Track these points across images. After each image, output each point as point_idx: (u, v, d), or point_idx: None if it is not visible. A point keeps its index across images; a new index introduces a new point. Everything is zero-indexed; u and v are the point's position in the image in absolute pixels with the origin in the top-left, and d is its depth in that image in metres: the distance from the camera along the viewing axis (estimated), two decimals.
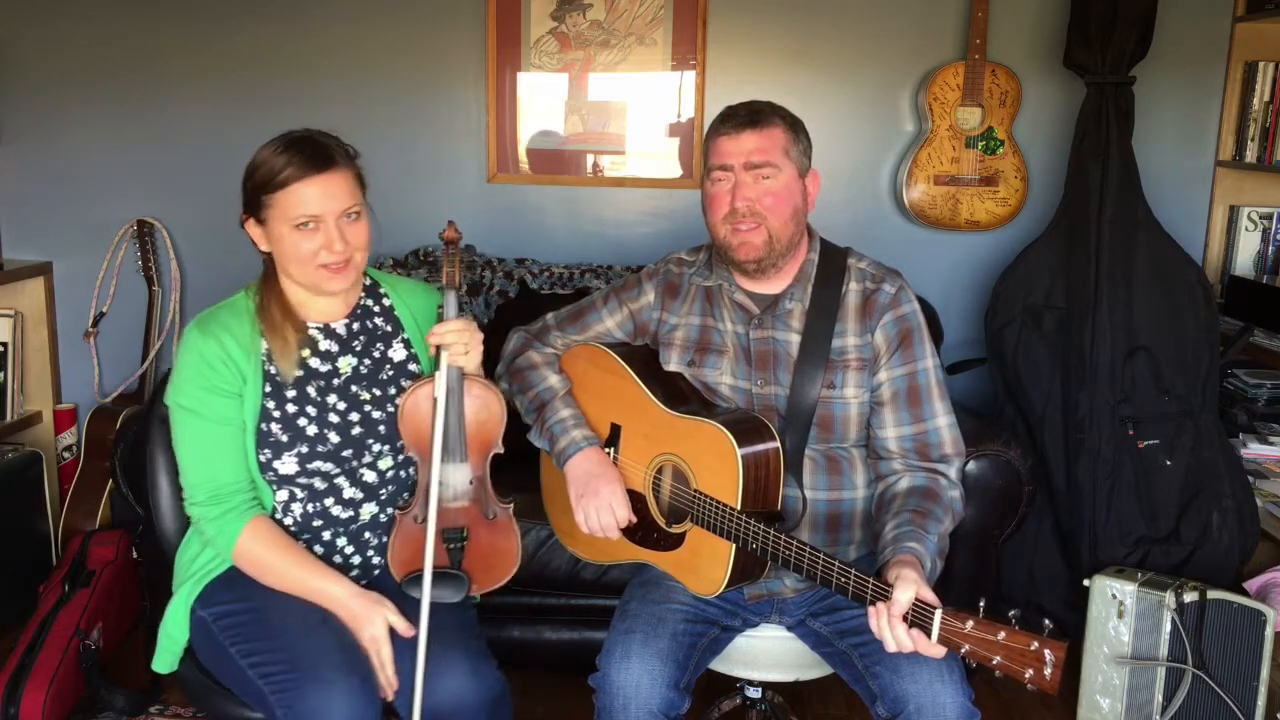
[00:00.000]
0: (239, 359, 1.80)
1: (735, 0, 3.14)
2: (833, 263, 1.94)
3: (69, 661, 2.49)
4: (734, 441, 1.76)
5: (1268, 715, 2.34)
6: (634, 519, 1.91)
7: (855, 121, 3.19)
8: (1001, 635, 1.47)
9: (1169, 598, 2.36)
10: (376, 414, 1.88)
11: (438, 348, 1.78)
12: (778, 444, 1.80)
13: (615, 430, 1.99)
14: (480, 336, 1.82)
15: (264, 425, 1.81)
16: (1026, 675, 1.45)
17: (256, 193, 1.77)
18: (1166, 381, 2.75)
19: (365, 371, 1.90)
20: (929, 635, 1.53)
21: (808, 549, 1.67)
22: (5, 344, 3.17)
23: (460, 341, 1.77)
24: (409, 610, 1.78)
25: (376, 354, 1.92)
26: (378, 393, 1.89)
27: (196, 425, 1.79)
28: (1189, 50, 3.11)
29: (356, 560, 1.90)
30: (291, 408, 1.83)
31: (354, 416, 1.87)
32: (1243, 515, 2.72)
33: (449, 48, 3.19)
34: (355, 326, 1.91)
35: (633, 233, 3.28)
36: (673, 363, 1.98)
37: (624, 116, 3.22)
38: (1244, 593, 2.52)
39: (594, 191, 3.28)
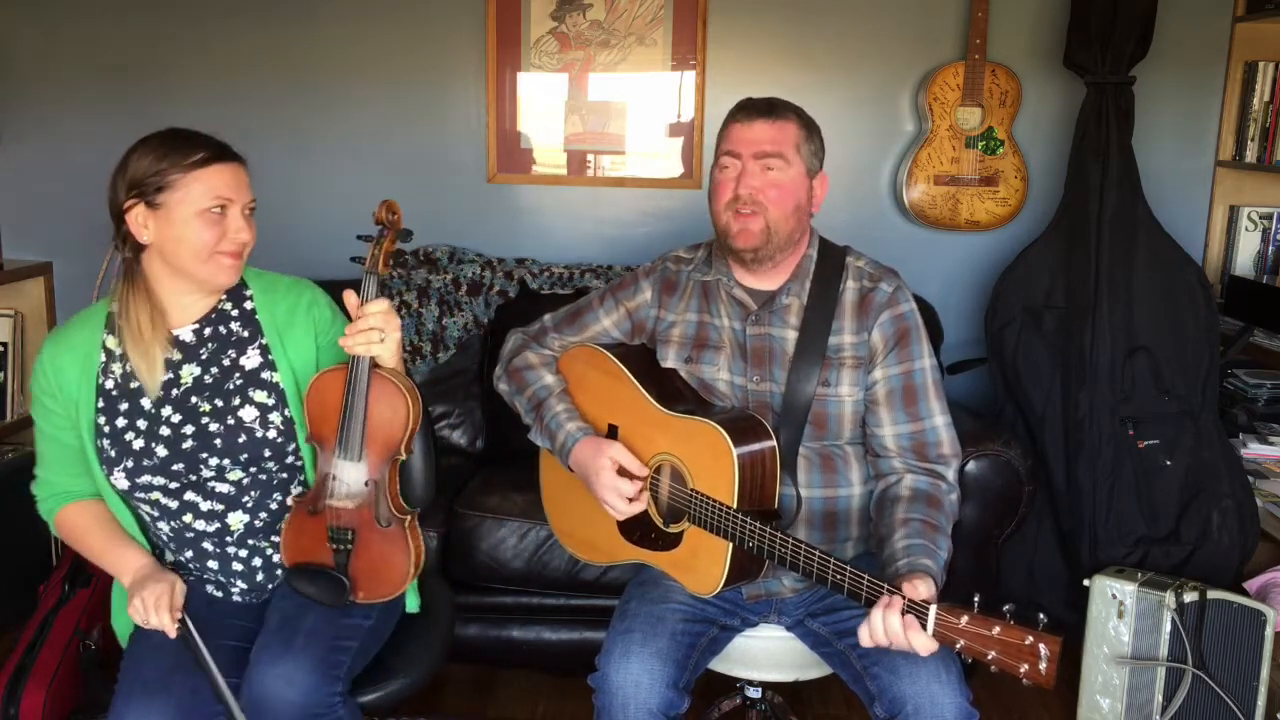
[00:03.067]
0: (71, 382, 1.79)
1: (735, 0, 3.14)
2: (831, 261, 1.94)
3: (69, 661, 2.49)
4: (729, 440, 1.76)
5: (1268, 715, 2.34)
6: (640, 490, 1.90)
7: (855, 121, 3.19)
8: (996, 630, 1.47)
9: (1169, 598, 2.36)
10: (214, 426, 1.78)
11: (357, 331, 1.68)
12: (773, 442, 1.80)
13: (612, 431, 1.98)
14: (397, 322, 1.69)
15: (98, 441, 1.79)
16: (1022, 670, 1.45)
17: (162, 174, 1.70)
18: (1166, 381, 2.75)
19: (209, 381, 1.80)
20: (921, 631, 1.53)
21: (804, 546, 1.67)
22: (5, 344, 3.17)
23: (375, 327, 1.66)
24: (289, 599, 1.78)
25: (226, 362, 1.81)
26: (219, 404, 1.79)
27: (36, 428, 1.86)
28: (1189, 50, 3.11)
29: (257, 563, 1.84)
30: (121, 421, 1.78)
31: (188, 429, 1.78)
32: (1243, 515, 2.72)
33: (449, 48, 3.19)
34: (206, 333, 1.82)
35: (632, 233, 3.27)
36: (670, 359, 1.98)
37: (624, 116, 3.22)
38: (1244, 593, 2.52)
39: (594, 191, 3.27)
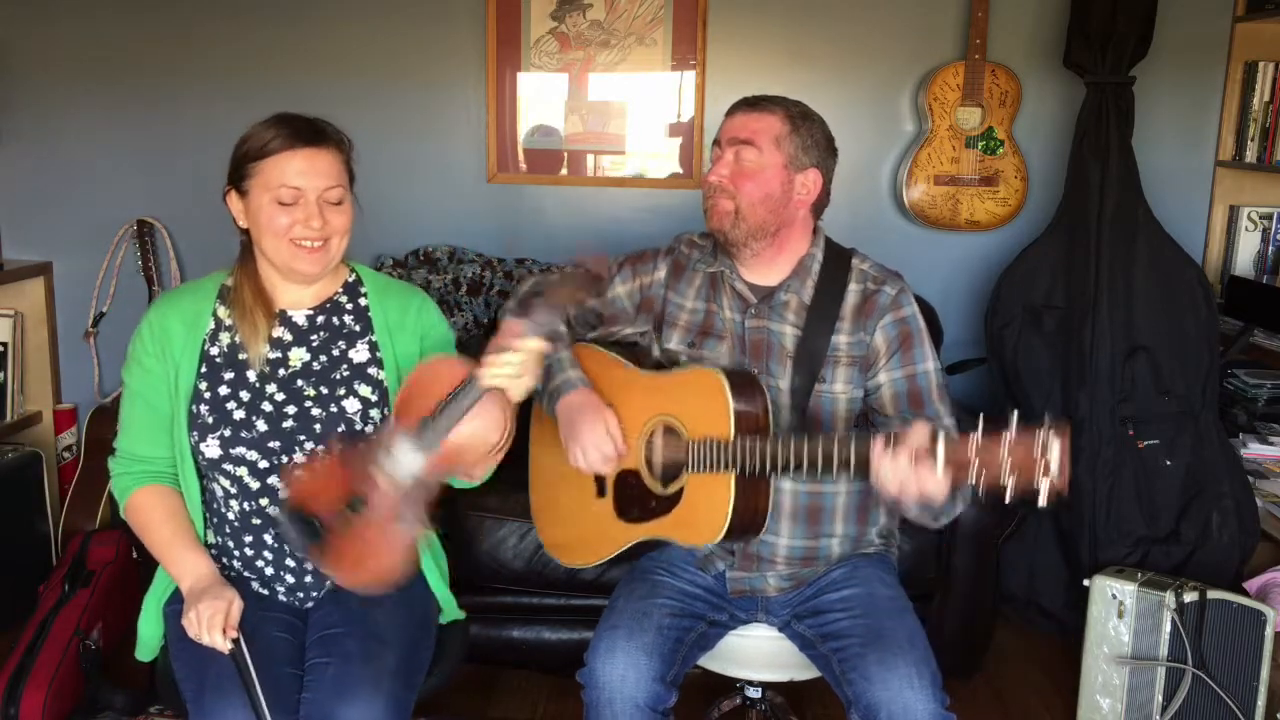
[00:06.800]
0: (176, 341, 1.79)
1: (735, 0, 3.14)
2: (838, 262, 1.95)
3: (69, 661, 2.49)
4: (718, 373, 1.79)
5: (1268, 715, 2.34)
6: (624, 450, 1.89)
7: (855, 121, 3.19)
8: (1008, 439, 1.44)
9: (1169, 598, 2.36)
10: (316, 411, 1.79)
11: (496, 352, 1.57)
12: (754, 372, 1.85)
13: None
14: (536, 373, 1.59)
15: (194, 407, 1.79)
16: (1040, 481, 1.42)
17: (242, 161, 1.74)
18: (1166, 381, 2.75)
19: (317, 368, 1.82)
20: (934, 466, 1.51)
21: (805, 438, 1.67)
22: (5, 344, 3.17)
23: (517, 361, 1.54)
24: (361, 624, 1.72)
25: (335, 352, 1.83)
26: (324, 391, 1.81)
27: (127, 391, 1.83)
28: (1189, 50, 3.11)
29: (309, 564, 1.81)
30: (224, 390, 1.79)
31: (289, 409, 1.79)
32: (1243, 515, 2.72)
33: (449, 48, 3.19)
34: (319, 320, 1.85)
35: (632, 232, 3.27)
36: (674, 341, 1.99)
37: (624, 116, 3.22)
38: (1244, 593, 2.52)
39: (594, 191, 3.28)
